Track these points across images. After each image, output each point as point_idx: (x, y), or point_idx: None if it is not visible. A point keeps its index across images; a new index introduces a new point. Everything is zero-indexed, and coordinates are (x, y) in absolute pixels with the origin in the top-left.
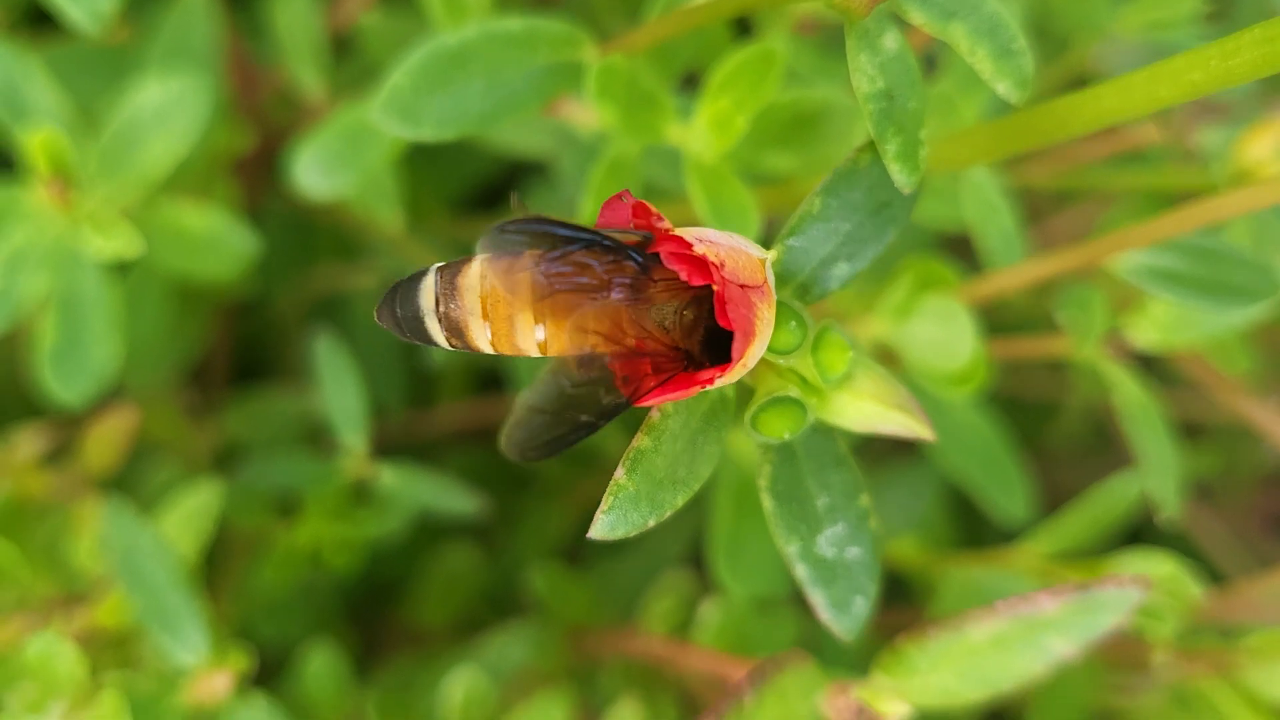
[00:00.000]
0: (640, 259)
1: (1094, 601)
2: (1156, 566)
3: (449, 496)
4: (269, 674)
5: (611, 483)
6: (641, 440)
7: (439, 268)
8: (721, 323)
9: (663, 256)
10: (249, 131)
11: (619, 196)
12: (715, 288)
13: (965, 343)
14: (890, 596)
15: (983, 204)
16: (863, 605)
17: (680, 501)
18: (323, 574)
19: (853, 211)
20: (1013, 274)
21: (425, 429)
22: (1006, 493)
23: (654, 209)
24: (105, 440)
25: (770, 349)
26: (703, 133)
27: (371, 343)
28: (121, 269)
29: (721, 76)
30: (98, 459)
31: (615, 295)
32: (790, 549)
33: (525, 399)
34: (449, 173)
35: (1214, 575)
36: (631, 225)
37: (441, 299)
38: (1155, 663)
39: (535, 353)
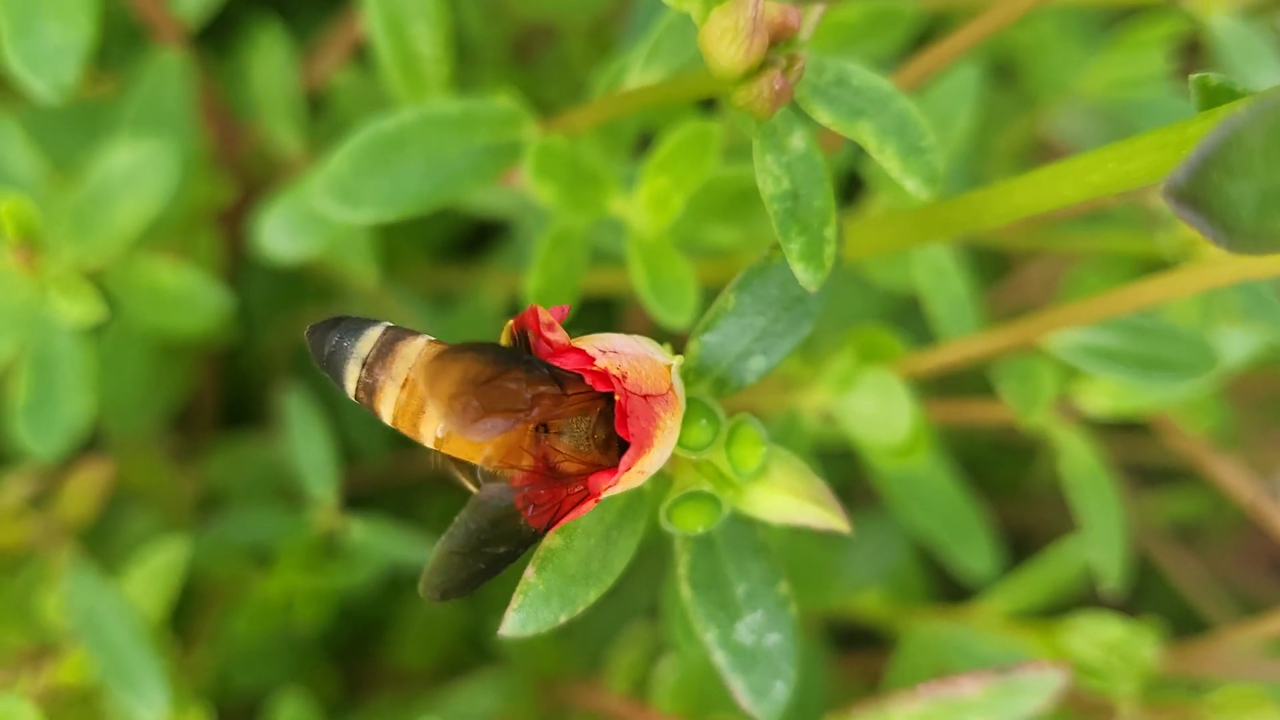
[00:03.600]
0: (558, 376)
1: (1015, 686)
2: (1107, 630)
3: (419, 549)
4: None
5: (521, 581)
6: (552, 539)
7: (388, 327)
8: (621, 433)
9: (569, 366)
10: (229, 184)
11: (535, 310)
12: (618, 398)
13: (902, 419)
14: (862, 644)
15: (933, 269)
16: (782, 690)
17: (593, 597)
18: (299, 621)
19: (767, 306)
20: (960, 347)
21: (406, 473)
22: (969, 548)
23: (545, 320)
24: (81, 491)
25: (683, 445)
26: (641, 210)
27: None
28: (99, 324)
29: (660, 156)
30: (74, 509)
31: (535, 414)
32: (708, 636)
33: (443, 545)
34: (426, 225)
35: (1197, 622)
36: (518, 331)
37: (375, 353)
38: (1121, 717)
39: (428, 443)
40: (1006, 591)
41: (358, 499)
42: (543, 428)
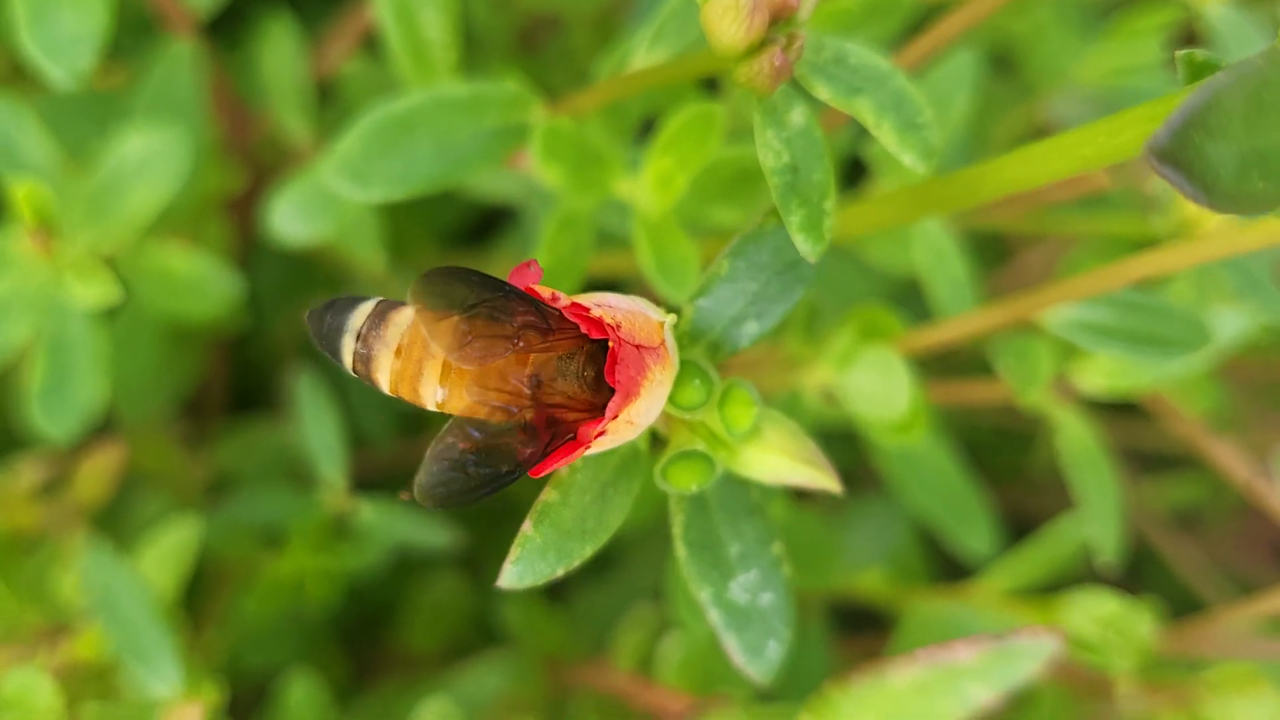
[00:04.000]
0: (543, 311)
1: (1011, 651)
2: (1105, 605)
3: (426, 531)
4: (258, 701)
5: (519, 534)
6: (549, 494)
7: (380, 300)
8: (609, 380)
9: (564, 312)
10: (240, 171)
11: (525, 265)
12: (611, 345)
13: (901, 395)
14: (865, 626)
15: (933, 251)
16: (776, 649)
17: (589, 552)
18: (310, 602)
19: (759, 272)
20: (958, 324)
21: (414, 458)
22: (969, 528)
23: (547, 293)
24: (95, 474)
25: (676, 405)
26: (647, 190)
27: None
28: (112, 309)
29: (664, 137)
30: (88, 492)
31: (521, 344)
32: (703, 595)
33: (436, 450)
34: (435, 210)
35: (1197, 607)
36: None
37: (368, 323)
38: (1119, 694)
39: (430, 406)
40: (1005, 569)
41: (366, 485)
42: (537, 380)
